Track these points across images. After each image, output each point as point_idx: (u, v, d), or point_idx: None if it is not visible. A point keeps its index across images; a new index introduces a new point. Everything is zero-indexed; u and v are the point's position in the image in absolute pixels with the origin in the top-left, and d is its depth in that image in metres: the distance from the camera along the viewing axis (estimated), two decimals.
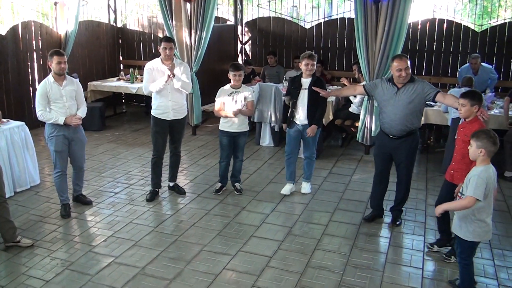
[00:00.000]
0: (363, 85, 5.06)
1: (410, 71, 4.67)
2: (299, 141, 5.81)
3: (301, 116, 5.57)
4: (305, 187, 5.92)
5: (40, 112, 4.96)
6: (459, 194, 3.73)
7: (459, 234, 3.73)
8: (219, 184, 5.91)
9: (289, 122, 5.68)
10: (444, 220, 4.46)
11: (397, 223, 5.07)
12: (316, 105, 5.51)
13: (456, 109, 4.39)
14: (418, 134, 4.91)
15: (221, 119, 5.72)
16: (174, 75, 5.29)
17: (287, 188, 5.91)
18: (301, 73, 5.57)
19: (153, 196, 5.68)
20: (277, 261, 4.31)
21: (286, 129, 5.76)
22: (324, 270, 4.18)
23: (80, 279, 4.00)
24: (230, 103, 5.59)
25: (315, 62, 5.45)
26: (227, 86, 5.65)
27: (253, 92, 7.75)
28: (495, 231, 4.97)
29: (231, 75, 5.54)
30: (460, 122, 4.39)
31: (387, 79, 4.89)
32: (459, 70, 8.65)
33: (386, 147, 4.90)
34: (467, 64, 8.33)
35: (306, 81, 5.51)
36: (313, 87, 5.36)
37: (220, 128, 5.75)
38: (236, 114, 5.54)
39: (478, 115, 4.12)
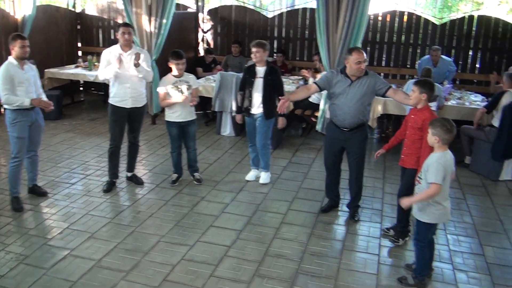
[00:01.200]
0: (316, 83, 4.95)
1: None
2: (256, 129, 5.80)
3: (256, 105, 5.57)
4: (263, 177, 5.92)
5: (6, 96, 4.78)
6: (417, 179, 3.83)
7: (415, 216, 3.85)
8: (175, 175, 5.84)
9: (246, 112, 5.67)
10: (404, 209, 4.56)
11: (355, 219, 5.03)
12: (271, 94, 5.52)
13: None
14: (367, 125, 4.94)
15: (166, 110, 5.60)
16: (139, 65, 5.21)
17: (251, 174, 5.97)
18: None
19: (110, 187, 5.57)
20: (236, 251, 4.32)
21: (245, 118, 5.75)
22: (282, 259, 4.21)
23: (35, 273, 3.89)
24: (175, 93, 5.45)
25: (262, 49, 5.41)
26: (169, 76, 5.51)
27: (215, 81, 7.74)
28: (450, 217, 5.12)
29: (173, 63, 5.39)
30: (411, 109, 4.48)
31: (338, 71, 4.81)
32: (419, 61, 8.84)
33: (338, 139, 4.89)
34: (427, 56, 8.52)
35: (261, 70, 5.51)
36: (278, 110, 4.96)
37: (166, 119, 5.63)
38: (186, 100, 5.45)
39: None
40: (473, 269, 4.20)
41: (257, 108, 5.58)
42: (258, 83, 5.52)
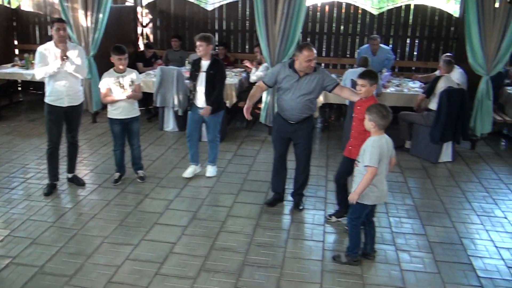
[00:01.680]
0: (264, 82, 4.94)
1: None
2: (200, 124, 5.81)
3: (200, 99, 5.55)
4: (210, 170, 5.93)
5: None
6: (356, 162, 3.97)
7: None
8: (117, 174, 5.74)
9: (190, 105, 5.65)
10: (342, 192, 4.72)
11: (300, 208, 5.09)
12: (214, 88, 5.50)
13: (352, 102, 4.56)
14: (313, 116, 5.00)
15: (109, 106, 5.49)
16: (67, 58, 5.05)
17: (188, 171, 5.89)
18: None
19: (51, 190, 5.40)
20: (181, 247, 4.31)
21: (188, 113, 5.71)
22: (228, 251, 4.24)
23: None
24: (117, 89, 5.36)
25: (205, 43, 5.38)
26: (111, 71, 5.41)
27: (155, 76, 7.63)
28: (392, 200, 5.33)
29: (115, 59, 5.29)
30: (357, 100, 4.58)
31: (285, 65, 4.77)
32: (358, 50, 9.03)
33: (285, 131, 4.92)
34: (367, 45, 8.72)
35: (205, 64, 5.50)
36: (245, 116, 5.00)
37: (109, 116, 5.52)
38: (129, 98, 5.37)
39: None
40: (416, 249, 4.38)
41: (202, 102, 5.55)
42: (202, 78, 5.49)
